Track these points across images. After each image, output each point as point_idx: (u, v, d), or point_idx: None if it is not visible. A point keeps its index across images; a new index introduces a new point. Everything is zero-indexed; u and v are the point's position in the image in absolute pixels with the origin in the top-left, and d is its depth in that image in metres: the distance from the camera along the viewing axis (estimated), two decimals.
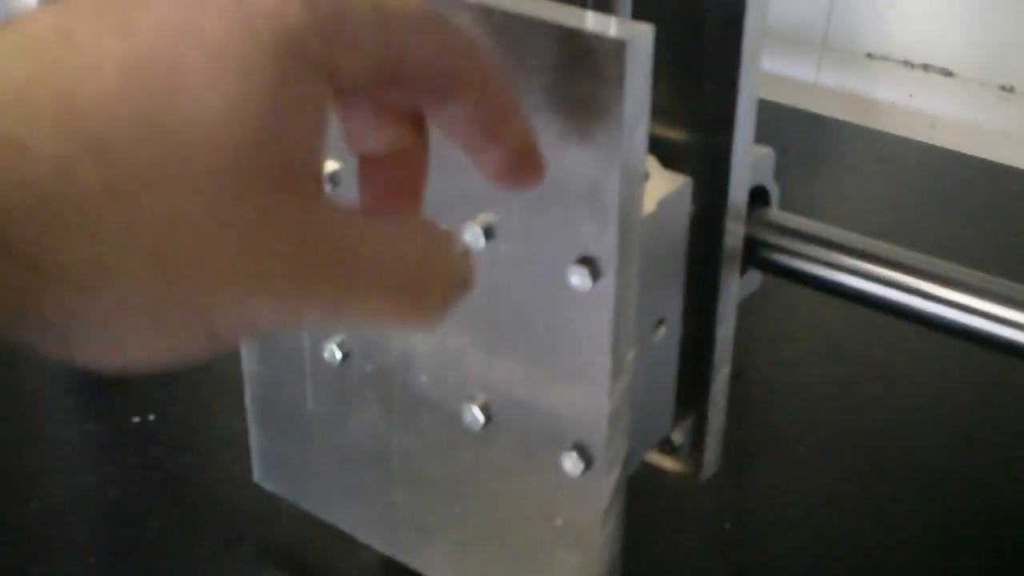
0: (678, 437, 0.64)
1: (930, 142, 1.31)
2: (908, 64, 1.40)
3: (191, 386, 0.87)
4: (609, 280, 0.50)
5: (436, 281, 0.39)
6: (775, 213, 0.63)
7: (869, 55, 1.42)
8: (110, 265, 0.32)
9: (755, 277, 0.64)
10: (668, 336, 0.60)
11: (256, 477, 0.72)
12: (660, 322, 0.59)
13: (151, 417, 0.84)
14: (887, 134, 1.31)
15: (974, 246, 1.08)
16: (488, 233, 0.53)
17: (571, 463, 0.54)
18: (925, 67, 1.39)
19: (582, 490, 0.55)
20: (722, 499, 0.78)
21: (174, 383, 0.88)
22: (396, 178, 0.43)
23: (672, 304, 0.59)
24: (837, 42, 1.43)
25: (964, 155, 1.26)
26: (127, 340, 0.34)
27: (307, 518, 0.70)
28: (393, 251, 0.38)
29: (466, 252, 0.41)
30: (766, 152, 0.62)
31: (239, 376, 0.69)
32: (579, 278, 0.50)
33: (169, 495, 0.79)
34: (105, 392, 0.88)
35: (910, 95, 1.41)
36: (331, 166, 0.56)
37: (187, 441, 0.83)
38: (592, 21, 0.48)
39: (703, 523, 0.77)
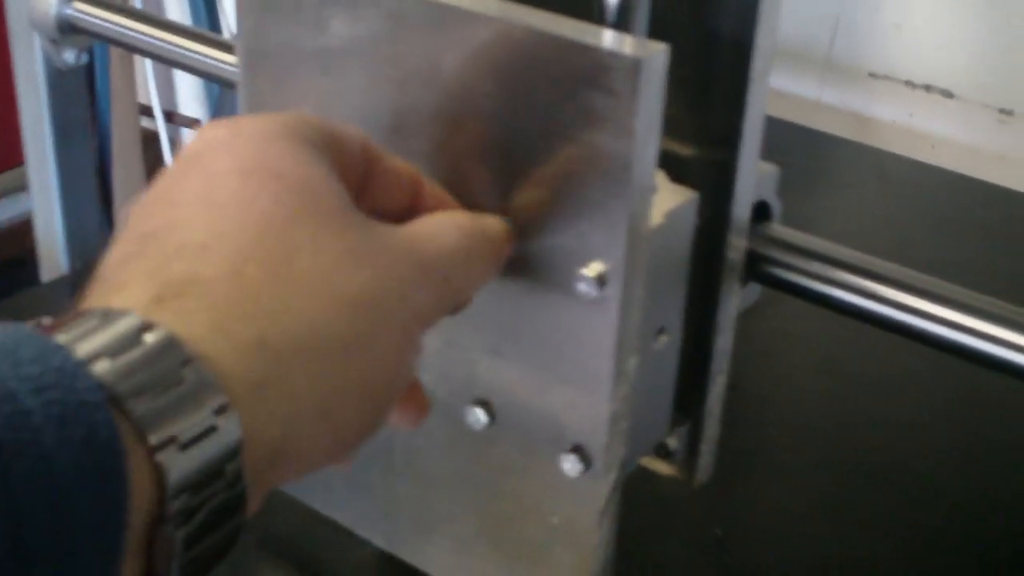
0: (673, 443, 0.65)
1: (929, 162, 1.32)
2: (910, 84, 1.42)
3: None
4: (615, 288, 0.52)
5: (489, 231, 0.51)
6: (776, 228, 0.64)
7: (872, 74, 1.43)
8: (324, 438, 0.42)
9: (754, 290, 0.66)
10: (668, 344, 0.61)
11: None
12: (661, 331, 0.60)
13: None
14: (887, 153, 1.33)
15: (969, 266, 1.09)
16: None
17: (570, 464, 0.56)
18: (927, 88, 1.41)
19: (580, 491, 0.57)
20: (714, 506, 0.79)
21: None
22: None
23: (673, 314, 0.61)
24: (840, 61, 1.45)
25: (962, 176, 1.27)
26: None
27: (307, 512, 0.71)
28: (453, 234, 0.49)
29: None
30: (770, 169, 0.63)
31: None
32: (586, 285, 0.52)
33: None
34: None
35: (911, 115, 1.43)
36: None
37: None
38: (608, 39, 0.49)
39: (695, 529, 0.78)
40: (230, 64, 0.88)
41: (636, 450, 0.62)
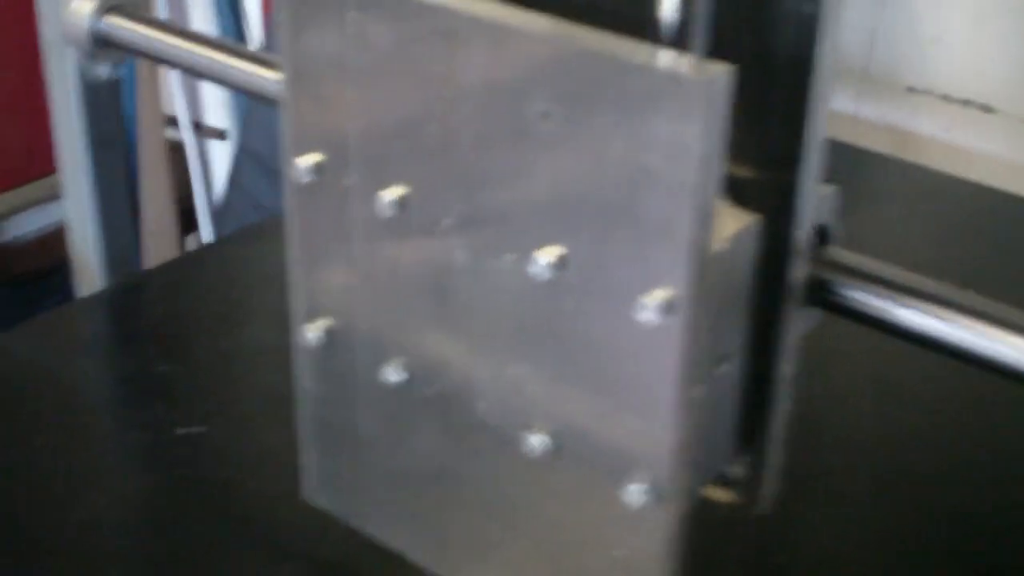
0: (736, 471, 0.64)
1: (968, 177, 1.31)
2: (948, 99, 1.40)
3: (236, 399, 0.87)
4: (680, 315, 0.50)
5: None
6: (839, 252, 0.63)
7: (910, 89, 1.42)
8: None
9: (814, 314, 0.64)
10: (731, 371, 0.60)
11: (304, 493, 0.72)
12: (724, 357, 0.59)
13: (197, 429, 0.84)
14: (925, 168, 1.32)
15: (1010, 282, 1.08)
16: (558, 264, 0.53)
17: (634, 495, 0.54)
18: (965, 102, 1.39)
19: (644, 522, 0.55)
20: (774, 534, 0.78)
21: (220, 395, 0.88)
22: None
23: (736, 340, 0.59)
24: (878, 75, 1.44)
25: (1002, 191, 1.26)
26: None
27: (354, 536, 0.70)
28: None
29: None
30: (829, 191, 0.62)
31: (283, 389, 0.69)
32: (650, 312, 0.50)
33: (213, 507, 0.79)
34: (152, 403, 0.88)
35: (949, 130, 1.41)
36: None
37: (232, 454, 0.83)
38: (669, 61, 0.48)
39: (757, 557, 0.77)
40: (265, 77, 0.87)
41: (700, 479, 0.60)
